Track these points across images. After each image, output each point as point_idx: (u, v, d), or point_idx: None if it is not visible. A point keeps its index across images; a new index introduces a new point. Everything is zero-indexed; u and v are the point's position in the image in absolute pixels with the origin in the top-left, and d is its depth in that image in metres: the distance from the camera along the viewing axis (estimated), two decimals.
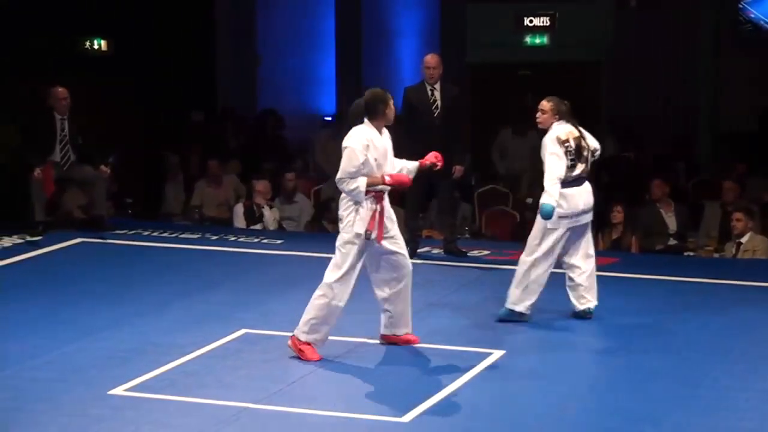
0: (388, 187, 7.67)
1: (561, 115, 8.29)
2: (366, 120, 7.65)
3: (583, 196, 8.26)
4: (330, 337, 7.94)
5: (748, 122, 16.60)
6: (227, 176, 13.84)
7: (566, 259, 8.34)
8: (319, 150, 15.56)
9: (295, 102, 17.61)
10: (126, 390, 7.02)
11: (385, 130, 7.73)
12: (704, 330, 8.25)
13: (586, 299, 8.33)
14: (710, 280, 9.63)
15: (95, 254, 10.76)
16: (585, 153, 8.27)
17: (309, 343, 7.56)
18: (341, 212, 7.64)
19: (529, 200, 12.25)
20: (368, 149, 7.54)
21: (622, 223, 11.65)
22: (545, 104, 8.37)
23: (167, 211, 13.90)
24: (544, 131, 8.29)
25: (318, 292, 7.60)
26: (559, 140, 8.17)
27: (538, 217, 8.17)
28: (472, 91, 16.61)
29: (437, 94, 10.36)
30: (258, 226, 12.18)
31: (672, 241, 11.75)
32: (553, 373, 7.41)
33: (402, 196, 11.63)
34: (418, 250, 10.60)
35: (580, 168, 8.23)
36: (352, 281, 7.58)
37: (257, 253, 10.87)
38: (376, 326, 8.21)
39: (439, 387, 7.01)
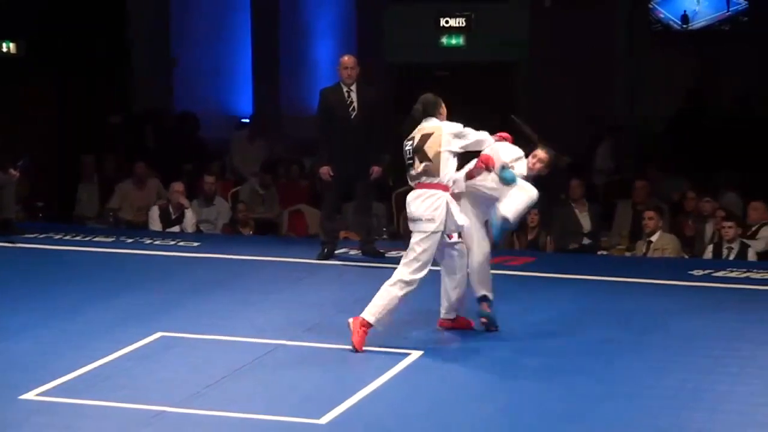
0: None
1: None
2: (431, 116, 7.96)
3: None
4: (248, 339, 7.92)
5: (661, 122, 16.86)
6: (151, 179, 13.71)
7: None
8: (236, 151, 15.47)
9: (212, 103, 17.50)
10: (38, 394, 6.90)
11: None
12: (618, 328, 8.34)
13: None
14: (623, 279, 9.75)
15: (4, 258, 10.57)
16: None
17: (370, 325, 7.70)
18: (424, 212, 7.69)
19: None
20: None
21: (538, 225, 11.77)
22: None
23: (81, 214, 13.72)
24: None
25: (392, 283, 7.79)
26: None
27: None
28: (389, 92, 16.64)
29: (354, 95, 10.35)
30: (175, 229, 12.07)
31: (586, 241, 11.89)
32: (469, 373, 7.44)
33: (319, 197, 11.63)
34: (336, 252, 10.59)
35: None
36: (424, 274, 7.78)
37: (174, 256, 10.77)
38: (296, 328, 8.20)
39: (357, 388, 6.99)
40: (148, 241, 11.36)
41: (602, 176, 15.16)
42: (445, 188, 7.78)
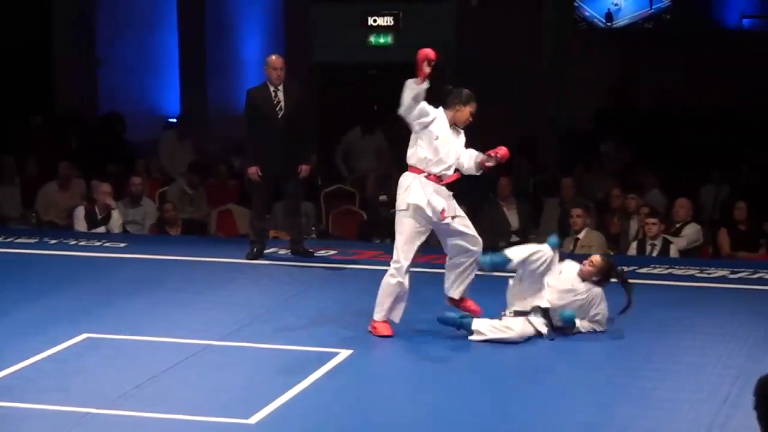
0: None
1: None
2: (442, 107, 7.96)
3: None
4: (176, 340, 7.85)
5: (588, 121, 17.05)
6: (75, 180, 13.53)
7: None
8: (163, 152, 15.34)
9: (138, 103, 17.35)
10: None
11: (460, 133, 8.01)
12: None
13: None
14: None
15: None
16: None
17: (385, 321, 7.90)
18: (397, 194, 7.89)
19: (383, 197, 12.31)
20: (432, 120, 7.85)
21: None
22: None
23: (2, 215, 13.49)
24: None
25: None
26: None
27: None
28: (317, 91, 16.63)
29: (281, 95, 10.31)
30: (101, 229, 11.94)
31: (514, 238, 11.95)
32: (399, 372, 7.45)
33: (247, 196, 11.57)
34: (265, 251, 10.55)
35: None
36: (411, 257, 7.86)
37: (100, 257, 10.65)
38: (224, 328, 8.15)
39: (286, 387, 6.96)
40: (73, 242, 11.22)
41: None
42: (416, 170, 7.88)
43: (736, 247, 11.40)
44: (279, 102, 10.30)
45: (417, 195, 7.83)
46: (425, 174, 7.88)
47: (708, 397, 6.81)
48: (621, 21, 17.63)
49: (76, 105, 16.74)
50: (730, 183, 13.69)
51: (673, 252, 10.91)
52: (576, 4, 17.51)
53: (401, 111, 7.82)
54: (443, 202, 7.88)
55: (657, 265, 10.21)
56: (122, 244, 11.13)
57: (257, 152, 10.38)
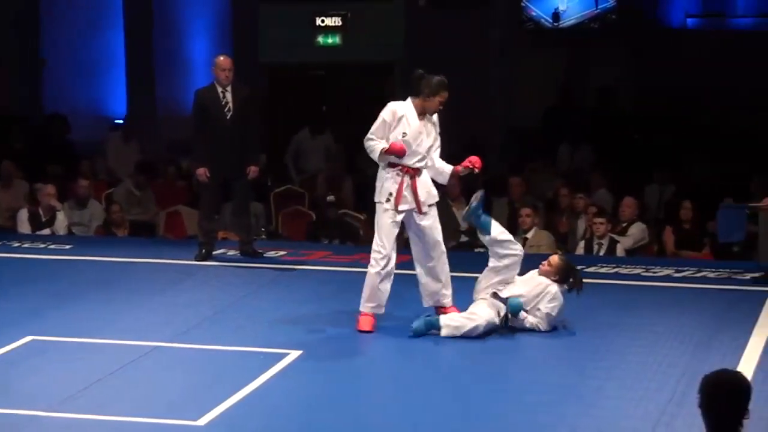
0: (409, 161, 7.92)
1: None
2: (410, 96, 7.97)
3: None
4: (123, 342, 7.80)
5: (536, 120, 17.13)
6: (18, 180, 13.39)
7: None
8: (110, 153, 15.23)
9: (84, 105, 17.21)
10: None
11: (431, 121, 7.99)
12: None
13: None
14: None
15: None
16: None
17: (367, 314, 7.95)
18: (376, 184, 8.03)
19: (331, 198, 12.30)
20: (397, 121, 7.90)
21: None
22: None
23: None
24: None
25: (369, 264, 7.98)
26: None
27: None
28: (265, 92, 16.58)
29: (229, 95, 10.28)
30: (45, 231, 11.82)
31: (464, 238, 11.99)
32: (349, 372, 7.44)
33: (196, 196, 11.52)
34: (214, 252, 10.51)
35: None
36: (389, 247, 7.94)
37: (45, 259, 10.56)
38: (173, 330, 8.11)
39: (236, 389, 6.93)
40: (17, 244, 11.10)
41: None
42: (391, 165, 7.98)
43: (681, 246, 11.52)
44: (227, 103, 10.26)
45: (390, 188, 7.91)
46: (399, 167, 7.93)
47: (654, 395, 6.87)
48: (568, 21, 17.75)
49: (20, 106, 16.56)
50: (675, 182, 13.83)
51: (620, 251, 11.00)
52: (523, 4, 17.60)
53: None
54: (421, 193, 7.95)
55: (604, 265, 10.29)
56: (67, 246, 11.03)
57: (205, 153, 10.34)
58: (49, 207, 11.93)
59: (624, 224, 11.43)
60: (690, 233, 11.53)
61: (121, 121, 16.72)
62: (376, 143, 7.97)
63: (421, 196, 8.00)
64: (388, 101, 8.20)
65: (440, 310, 8.19)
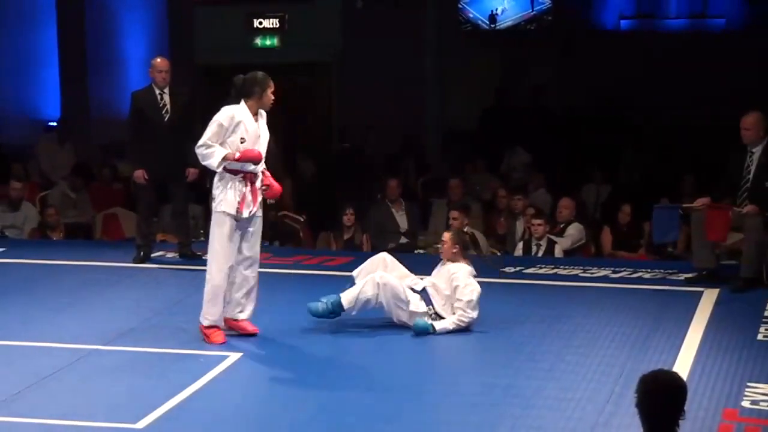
0: (251, 167, 7.75)
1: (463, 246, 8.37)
2: (242, 101, 7.75)
3: None
4: (58, 345, 7.72)
5: (473, 121, 17.22)
6: None
7: None
8: (44, 156, 15.06)
9: (15, 107, 16.98)
10: None
11: (263, 119, 7.81)
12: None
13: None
14: None
15: None
16: None
17: (213, 327, 7.76)
18: (213, 191, 7.78)
19: (270, 200, 12.24)
20: (235, 126, 7.68)
21: (354, 225, 11.85)
22: (445, 236, 8.44)
23: None
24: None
25: (206, 275, 7.79)
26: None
27: None
28: (202, 94, 16.48)
29: (167, 97, 10.22)
30: None
31: (403, 240, 12.02)
32: (288, 374, 7.42)
33: (134, 199, 11.43)
34: (152, 255, 10.43)
35: None
36: (228, 258, 7.74)
37: None
38: (111, 332, 8.03)
39: (175, 392, 6.90)
40: None
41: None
42: (232, 171, 7.79)
43: (617, 247, 11.64)
44: (165, 105, 10.20)
45: (230, 199, 7.71)
46: (242, 174, 7.76)
47: (592, 395, 6.93)
48: (504, 23, 17.87)
49: None
50: (611, 183, 13.97)
51: (558, 252, 11.09)
52: (460, 6, 17.69)
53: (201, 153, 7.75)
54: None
55: (542, 265, 10.36)
56: (0, 249, 10.88)
57: (143, 155, 10.27)
58: None
59: (561, 225, 11.53)
60: (626, 234, 11.65)
61: (54, 124, 16.53)
62: (213, 149, 7.65)
63: (259, 202, 7.82)
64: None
65: (233, 323, 7.99)
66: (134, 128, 10.28)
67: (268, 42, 17.02)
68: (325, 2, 17.04)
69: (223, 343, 7.77)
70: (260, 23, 16.88)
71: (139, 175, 10.23)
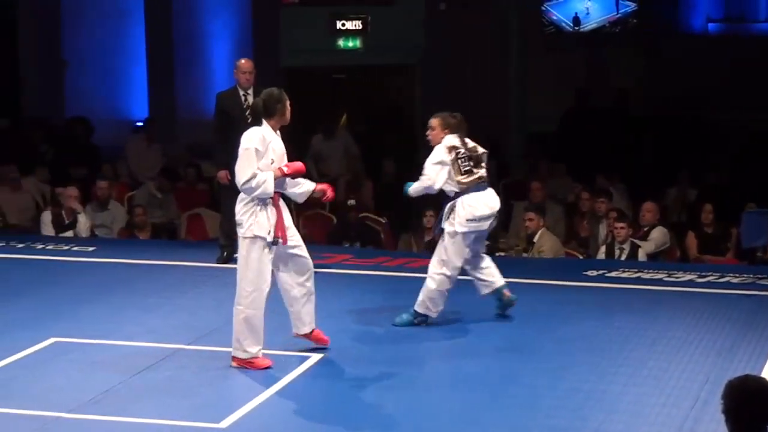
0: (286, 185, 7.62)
1: (451, 129, 8.32)
2: (263, 120, 7.61)
3: (487, 200, 8.32)
4: (145, 344, 7.83)
5: (554, 122, 17.10)
6: (27, 180, 13.44)
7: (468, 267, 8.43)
8: (132, 156, 15.26)
9: (105, 108, 17.24)
10: None
11: (278, 133, 7.71)
12: (514, 329, 8.41)
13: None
14: (519, 280, 9.73)
15: None
16: (481, 159, 8.31)
17: (253, 358, 7.37)
18: (239, 217, 7.49)
19: (351, 201, 12.30)
20: (265, 148, 7.50)
21: (435, 226, 11.82)
22: (433, 121, 8.37)
23: None
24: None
25: (235, 307, 7.42)
26: (448, 148, 8.20)
27: (445, 234, 8.23)
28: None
29: (251, 99, 10.29)
30: (68, 234, 11.87)
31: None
32: (370, 377, 7.43)
33: (217, 199, 11.54)
34: (235, 255, 10.49)
35: (478, 173, 8.26)
36: (265, 285, 7.42)
37: (68, 261, 10.60)
38: (195, 332, 8.12)
39: (258, 392, 6.96)
40: (41, 246, 11.14)
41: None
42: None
43: (704, 251, 11.47)
44: (248, 106, 10.27)
45: (262, 222, 7.45)
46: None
47: (676, 401, 6.85)
48: (588, 25, 17.73)
49: (42, 108, 16.62)
50: (698, 186, 13.78)
51: (642, 256, 10.96)
52: (543, 8, 17.59)
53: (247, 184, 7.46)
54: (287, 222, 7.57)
55: (626, 269, 10.25)
56: (90, 248, 11.07)
57: (227, 156, 10.35)
58: (71, 210, 11.98)
59: (645, 228, 11.40)
60: (713, 237, 11.47)
61: (141, 124, 16.76)
62: (262, 176, 7.34)
63: (287, 222, 7.57)
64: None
65: (308, 335, 7.84)
66: (218, 129, 10.37)
67: (350, 44, 17.08)
68: (408, 4, 17.05)
69: (269, 366, 7.44)
70: (343, 25, 16.94)
71: (223, 175, 10.32)
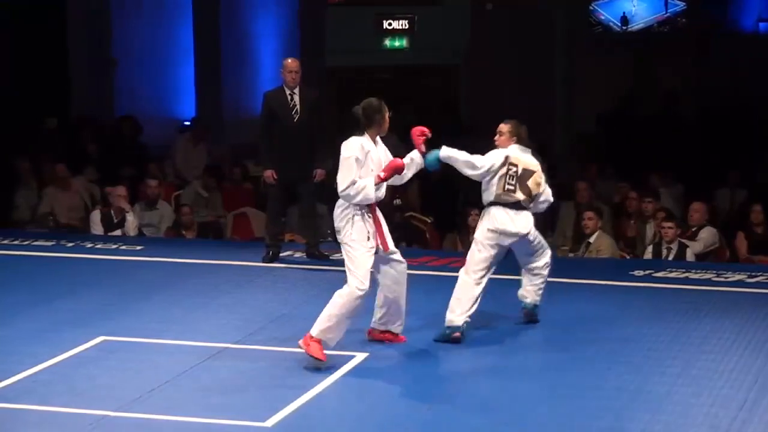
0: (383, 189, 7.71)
1: (519, 139, 8.29)
2: (364, 130, 7.69)
3: (517, 219, 8.20)
4: (192, 343, 7.88)
5: (600, 123, 17.01)
6: (76, 179, 13.56)
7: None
8: (179, 155, 15.35)
9: (153, 107, 17.36)
10: None
11: (380, 141, 7.78)
12: (561, 329, 8.37)
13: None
14: (566, 280, 9.70)
15: None
16: (530, 185, 8.20)
17: (319, 341, 7.50)
18: (337, 223, 7.68)
19: (397, 201, 12.29)
20: (366, 158, 7.60)
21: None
22: (503, 127, 8.33)
23: (18, 219, 13.52)
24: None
25: (338, 293, 7.57)
26: (506, 158, 8.17)
27: (475, 235, 8.23)
28: (332, 95, 16.63)
29: (296, 98, 10.32)
30: (117, 233, 11.96)
31: None
32: (414, 376, 7.43)
33: (263, 199, 11.58)
34: (281, 255, 10.56)
35: (519, 196, 8.16)
36: (366, 281, 7.56)
37: (116, 260, 10.68)
38: (241, 332, 8.16)
39: (303, 391, 6.97)
40: (90, 245, 11.24)
41: None
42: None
43: (754, 251, 11.35)
44: (295, 105, 10.31)
45: (360, 228, 7.59)
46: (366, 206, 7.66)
47: (724, 402, 6.79)
48: (636, 25, 17.62)
49: (91, 107, 16.75)
50: (747, 185, 13.64)
51: (690, 256, 10.87)
52: (591, 8, 17.49)
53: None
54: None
55: (673, 269, 10.17)
56: (138, 247, 11.15)
57: (273, 155, 10.39)
58: (120, 209, 12.07)
59: (694, 228, 11.31)
60: (763, 238, 11.35)
61: (188, 123, 16.86)
62: (362, 183, 7.52)
63: (386, 230, 7.75)
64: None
65: (386, 335, 7.96)
66: (265, 128, 10.41)
67: (396, 43, 17.08)
68: (454, 4, 17.01)
69: (324, 360, 7.51)
70: (389, 24, 16.94)
71: (269, 175, 10.36)
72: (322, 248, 10.69)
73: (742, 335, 8.11)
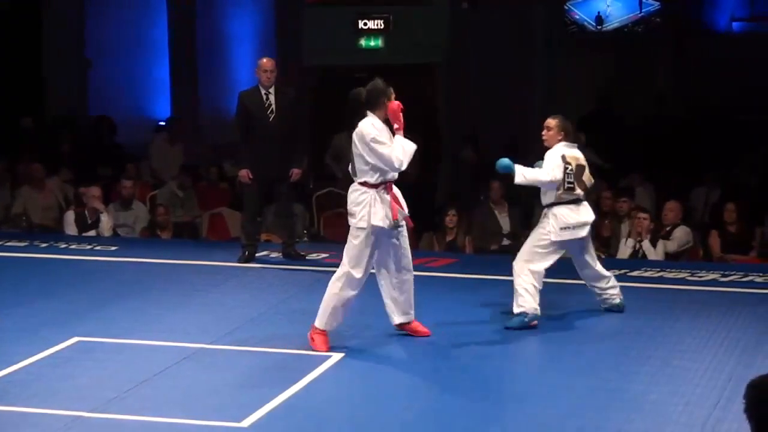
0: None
1: (566, 134, 8.40)
2: (368, 111, 7.69)
3: (582, 210, 8.42)
4: (167, 343, 7.85)
5: (578, 123, 17.01)
6: (51, 179, 13.50)
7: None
8: (154, 155, 15.31)
9: (128, 107, 17.31)
10: None
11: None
12: (538, 329, 8.38)
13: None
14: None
15: None
16: (584, 180, 8.41)
17: (323, 331, 7.61)
18: (351, 207, 7.69)
19: None
20: (384, 134, 7.65)
21: (457, 226, 11.81)
22: (551, 122, 8.41)
23: None
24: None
25: (333, 282, 7.67)
26: (563, 157, 8.30)
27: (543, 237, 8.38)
28: (308, 95, 16.60)
29: (272, 98, 10.31)
30: (91, 233, 11.91)
31: (506, 241, 11.95)
32: (391, 376, 7.42)
33: (239, 198, 11.57)
34: (257, 255, 10.54)
35: (578, 192, 8.40)
36: (365, 272, 7.65)
37: (90, 260, 10.65)
38: (216, 332, 8.14)
39: (279, 391, 6.95)
40: (64, 246, 11.20)
41: None
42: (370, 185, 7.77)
43: (727, 250, 11.41)
44: (270, 105, 10.30)
45: (379, 212, 7.62)
46: (384, 185, 7.70)
47: (699, 400, 6.82)
48: (611, 24, 17.67)
49: (66, 107, 16.69)
50: (722, 185, 13.70)
51: (660, 251, 10.92)
52: (566, 8, 17.53)
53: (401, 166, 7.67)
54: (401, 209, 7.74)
55: (648, 268, 10.22)
56: (113, 248, 11.11)
57: (248, 155, 10.38)
58: (94, 209, 12.02)
59: (668, 228, 11.35)
60: (736, 236, 11.41)
61: (164, 123, 16.81)
62: (395, 143, 7.62)
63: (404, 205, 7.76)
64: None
65: (405, 327, 8.01)
66: (240, 128, 10.40)
67: (372, 43, 17.07)
68: (431, 3, 17.01)
69: (327, 350, 7.68)
70: (365, 24, 16.93)
71: (244, 174, 10.35)
72: (299, 248, 10.69)
73: (716, 334, 8.15)
